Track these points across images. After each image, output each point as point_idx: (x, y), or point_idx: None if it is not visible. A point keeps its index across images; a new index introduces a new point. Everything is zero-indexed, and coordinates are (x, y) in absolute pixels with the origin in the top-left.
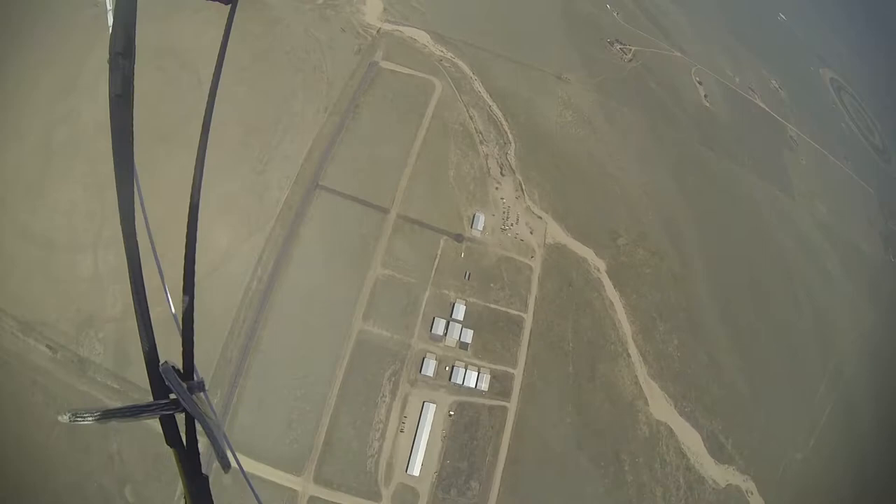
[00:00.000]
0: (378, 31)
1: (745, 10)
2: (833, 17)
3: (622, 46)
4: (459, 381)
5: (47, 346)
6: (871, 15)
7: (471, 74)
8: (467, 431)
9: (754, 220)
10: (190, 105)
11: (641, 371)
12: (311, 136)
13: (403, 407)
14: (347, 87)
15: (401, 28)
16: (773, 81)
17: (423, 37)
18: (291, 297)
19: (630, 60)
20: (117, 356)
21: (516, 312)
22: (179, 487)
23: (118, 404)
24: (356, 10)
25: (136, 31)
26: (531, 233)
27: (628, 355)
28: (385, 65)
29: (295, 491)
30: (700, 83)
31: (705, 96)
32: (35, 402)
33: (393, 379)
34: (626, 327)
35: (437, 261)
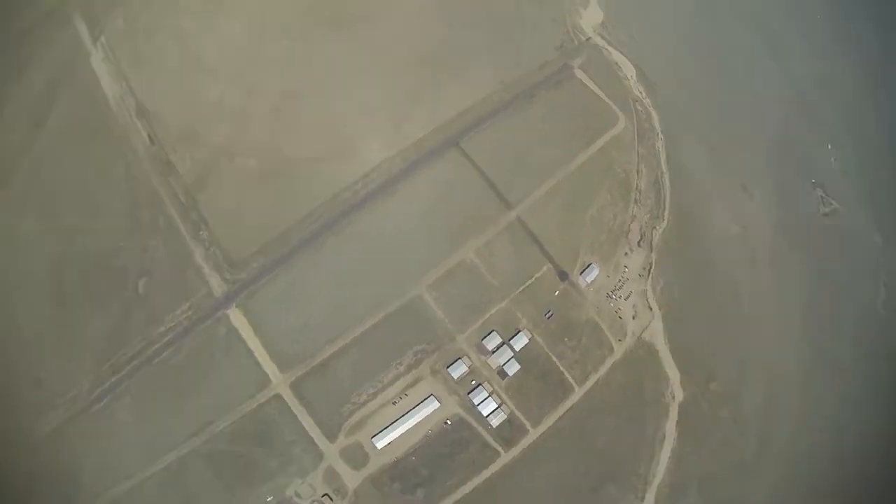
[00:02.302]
0: (587, 40)
1: None
2: None
3: (824, 195)
4: (476, 401)
5: (149, 136)
6: None
7: (659, 131)
8: (450, 447)
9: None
10: (381, 4)
11: None
12: (478, 96)
13: (410, 385)
14: (532, 73)
15: (610, 48)
16: None
17: (629, 68)
18: (376, 225)
19: (825, 215)
20: (199, 178)
21: (571, 380)
22: (184, 307)
23: (178, 220)
24: (575, 9)
25: None
26: (633, 318)
27: (643, 498)
28: (579, 74)
29: (269, 381)
30: (885, 286)
31: (884, 302)
32: (116, 171)
33: (418, 356)
34: (661, 471)
35: (529, 281)
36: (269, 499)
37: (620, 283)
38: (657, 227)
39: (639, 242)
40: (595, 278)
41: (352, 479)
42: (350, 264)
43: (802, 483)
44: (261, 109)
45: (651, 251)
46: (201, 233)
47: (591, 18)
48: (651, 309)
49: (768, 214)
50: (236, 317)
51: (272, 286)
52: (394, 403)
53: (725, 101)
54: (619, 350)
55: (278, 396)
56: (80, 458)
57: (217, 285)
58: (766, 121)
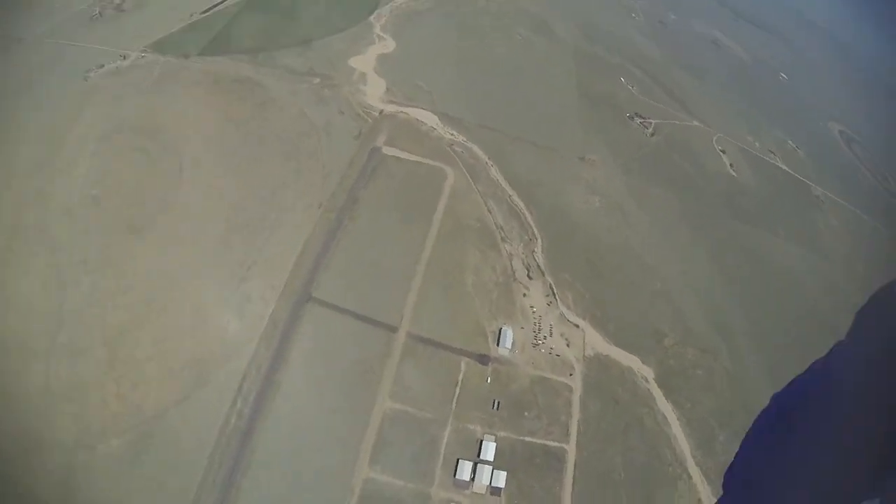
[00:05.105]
0: (380, 114)
1: (749, 73)
2: (829, 70)
3: (642, 120)
4: None
5: None
6: (864, 64)
7: (486, 160)
8: None
9: (799, 294)
10: (168, 192)
11: (705, 492)
12: (303, 236)
13: None
14: (346, 177)
15: (406, 109)
16: (790, 142)
17: (430, 119)
18: (278, 437)
19: (652, 135)
20: (66, 497)
21: (556, 444)
22: None
23: None
24: (356, 89)
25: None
26: (568, 345)
27: (689, 476)
28: (388, 151)
29: None
30: (723, 152)
31: (731, 165)
32: None
33: None
34: (684, 443)
35: (458, 389)
36: None
37: (537, 325)
38: (535, 249)
39: (529, 275)
40: (513, 339)
41: None
42: (276, 494)
43: (776, 344)
44: (94, 368)
45: (544, 275)
46: None
47: (375, 91)
48: (577, 325)
49: (612, 168)
50: None
51: None
52: None
53: (524, 96)
54: (576, 383)
55: None
56: None
57: None
58: (564, 92)
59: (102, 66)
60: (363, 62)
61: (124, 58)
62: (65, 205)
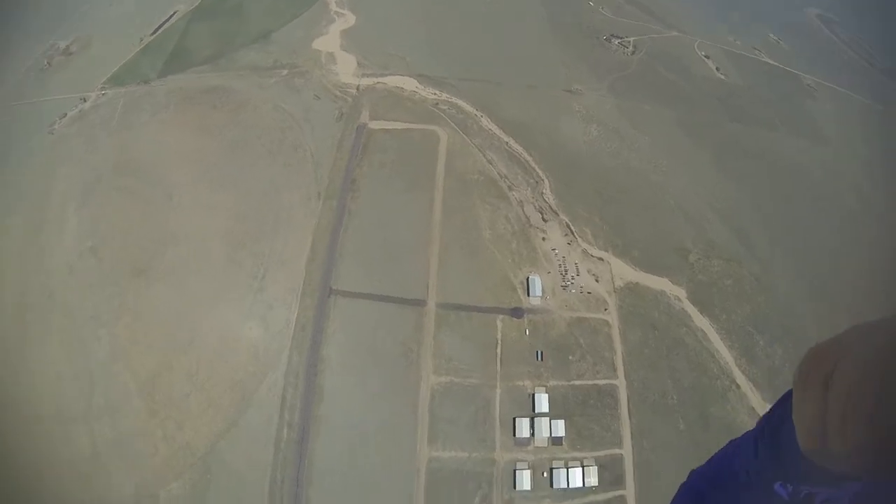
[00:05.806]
0: (358, 89)
1: None
2: None
3: (621, 40)
4: (564, 485)
5: None
6: None
7: (474, 112)
8: None
9: (807, 184)
10: (163, 225)
11: (756, 398)
12: (309, 231)
13: None
14: (337, 161)
15: (382, 79)
16: (771, 35)
17: (409, 83)
18: (333, 439)
19: (633, 53)
20: None
21: (606, 381)
22: None
23: None
24: (327, 71)
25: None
26: (597, 280)
27: (737, 386)
28: (375, 125)
29: None
30: (707, 57)
31: (717, 69)
32: None
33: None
34: (726, 355)
35: (499, 348)
36: None
37: (563, 267)
38: (544, 191)
39: (543, 218)
40: (542, 286)
41: None
42: (344, 496)
43: (798, 240)
44: (136, 418)
45: (558, 214)
46: None
47: (346, 68)
48: (601, 258)
49: (601, 93)
50: None
51: None
52: None
53: (496, 40)
54: (613, 317)
55: None
56: None
57: None
58: (535, 28)
59: (65, 114)
60: (327, 42)
61: (84, 100)
62: (64, 264)
